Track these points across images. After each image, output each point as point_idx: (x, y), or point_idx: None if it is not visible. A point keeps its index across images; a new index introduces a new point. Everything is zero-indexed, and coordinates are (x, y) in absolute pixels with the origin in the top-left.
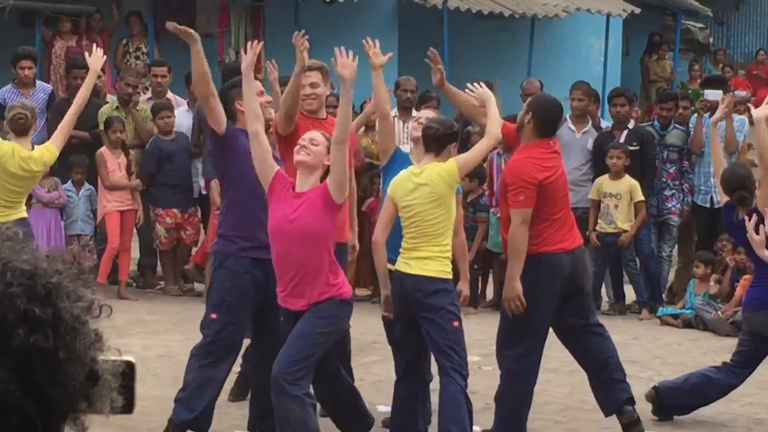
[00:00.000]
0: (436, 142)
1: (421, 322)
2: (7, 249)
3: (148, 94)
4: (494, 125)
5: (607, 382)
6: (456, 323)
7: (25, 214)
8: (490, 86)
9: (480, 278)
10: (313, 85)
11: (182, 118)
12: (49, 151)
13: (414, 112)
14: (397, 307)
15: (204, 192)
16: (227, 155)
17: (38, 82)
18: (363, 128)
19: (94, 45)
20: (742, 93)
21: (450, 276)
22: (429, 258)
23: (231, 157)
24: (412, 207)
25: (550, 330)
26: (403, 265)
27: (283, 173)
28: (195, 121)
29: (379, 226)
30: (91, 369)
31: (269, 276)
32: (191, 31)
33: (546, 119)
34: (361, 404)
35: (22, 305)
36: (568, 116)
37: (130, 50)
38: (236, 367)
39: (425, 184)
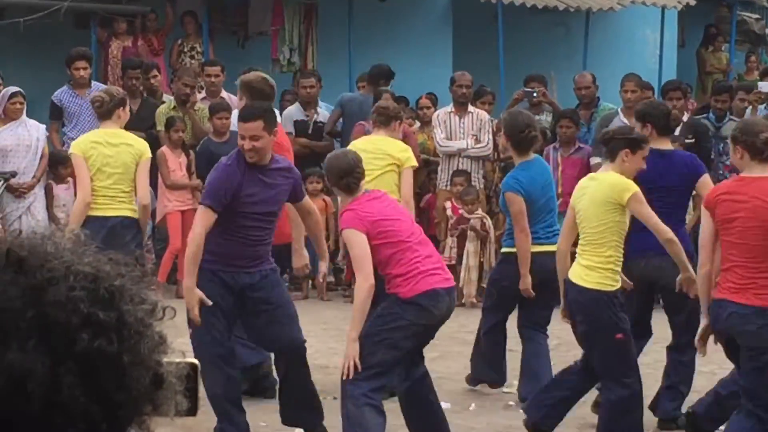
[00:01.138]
0: (606, 146)
1: (582, 336)
2: (69, 252)
3: (203, 94)
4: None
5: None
6: (620, 335)
7: (129, 213)
8: (544, 82)
9: None
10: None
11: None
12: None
13: (470, 108)
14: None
15: None
16: None
17: (94, 83)
18: (419, 125)
19: None
20: None
21: (611, 287)
22: (589, 267)
23: None
24: (580, 211)
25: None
26: (570, 271)
27: None
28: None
29: (560, 235)
30: (156, 372)
31: (246, 284)
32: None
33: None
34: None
35: (85, 309)
36: (619, 109)
37: (185, 50)
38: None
39: (593, 189)
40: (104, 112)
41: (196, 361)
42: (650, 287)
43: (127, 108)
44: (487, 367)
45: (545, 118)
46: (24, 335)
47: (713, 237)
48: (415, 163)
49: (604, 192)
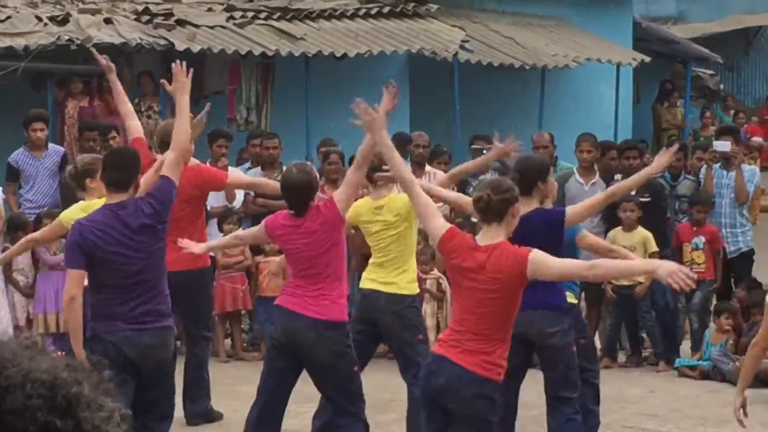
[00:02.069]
0: None
1: None
2: (26, 359)
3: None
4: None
5: None
6: None
7: None
8: (490, 140)
9: None
10: None
11: None
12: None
13: (427, 167)
14: None
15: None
16: None
17: (50, 145)
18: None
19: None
20: (758, 140)
21: None
22: None
23: None
24: None
25: None
26: None
27: None
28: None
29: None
30: None
31: None
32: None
33: None
34: None
35: (42, 417)
36: (575, 169)
37: (142, 109)
38: None
39: None
40: (76, 186)
41: None
42: (528, 342)
43: (98, 176)
44: None
45: (491, 177)
46: None
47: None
48: None
49: None
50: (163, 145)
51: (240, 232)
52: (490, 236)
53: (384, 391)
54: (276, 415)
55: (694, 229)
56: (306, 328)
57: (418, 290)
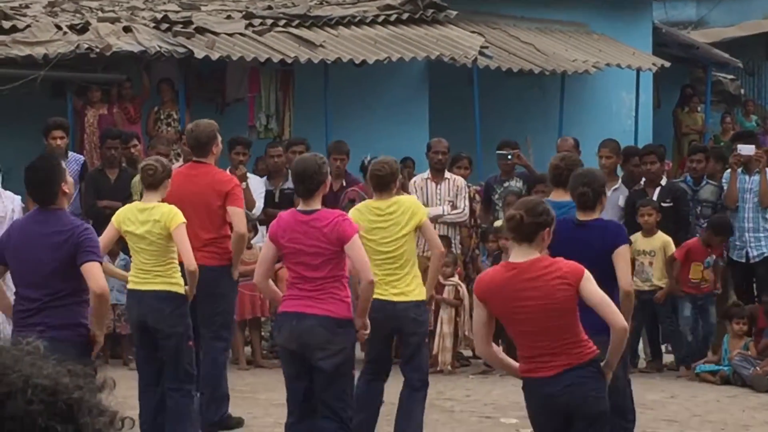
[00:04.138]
0: None
1: None
2: (27, 365)
3: (180, 162)
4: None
5: None
6: None
7: (166, 287)
8: (517, 147)
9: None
10: None
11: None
12: (174, 211)
13: (446, 174)
14: None
15: None
16: None
17: (70, 153)
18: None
19: None
20: None
21: None
22: None
23: None
24: None
25: None
26: None
27: None
28: None
29: None
30: None
31: None
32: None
33: None
34: None
35: (43, 422)
36: None
37: (162, 117)
38: None
39: None
40: (154, 182)
41: None
42: None
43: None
44: None
45: (515, 184)
46: None
47: None
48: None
49: None
50: (194, 147)
51: None
52: (523, 254)
53: None
54: None
55: (708, 250)
56: None
57: None
